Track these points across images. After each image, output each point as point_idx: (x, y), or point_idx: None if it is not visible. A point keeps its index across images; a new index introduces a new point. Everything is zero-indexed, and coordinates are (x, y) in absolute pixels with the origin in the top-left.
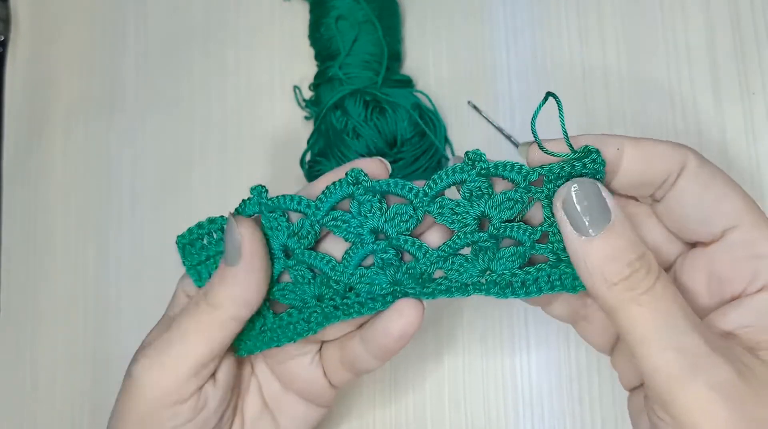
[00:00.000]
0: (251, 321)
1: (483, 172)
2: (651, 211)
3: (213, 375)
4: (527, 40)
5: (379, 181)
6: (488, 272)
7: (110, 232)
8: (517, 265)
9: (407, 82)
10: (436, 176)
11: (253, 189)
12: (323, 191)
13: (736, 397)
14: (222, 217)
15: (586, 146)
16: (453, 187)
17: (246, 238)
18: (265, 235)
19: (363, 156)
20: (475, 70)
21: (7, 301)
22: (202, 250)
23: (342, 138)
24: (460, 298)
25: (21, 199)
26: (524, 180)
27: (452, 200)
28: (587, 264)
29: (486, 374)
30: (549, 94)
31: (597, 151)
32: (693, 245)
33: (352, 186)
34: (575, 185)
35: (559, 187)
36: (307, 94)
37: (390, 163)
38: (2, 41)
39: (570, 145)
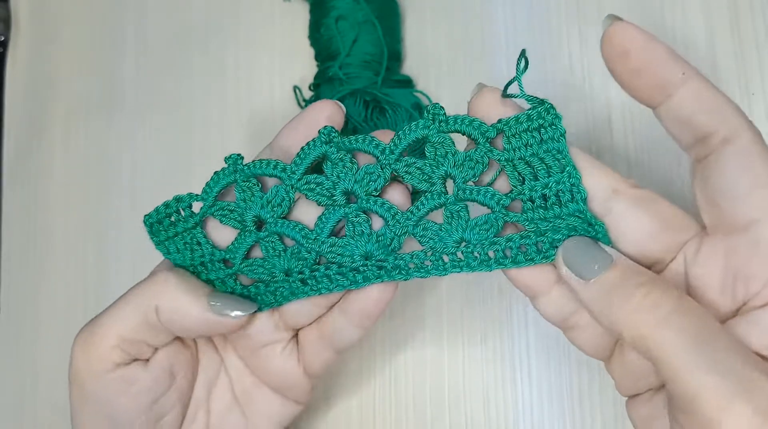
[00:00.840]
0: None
1: (442, 125)
2: (658, 197)
3: (148, 359)
4: (527, 41)
5: (348, 137)
6: (463, 243)
7: (110, 232)
8: (492, 234)
9: (407, 82)
10: (400, 132)
11: (227, 158)
12: (298, 154)
13: None
14: (189, 194)
15: (543, 100)
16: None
17: (240, 322)
18: (238, 207)
19: None
20: (475, 70)
21: (7, 301)
22: (170, 226)
23: None
24: (459, 297)
25: (21, 199)
26: (482, 136)
27: (419, 159)
28: (601, 298)
29: (486, 374)
30: (523, 51)
31: (550, 103)
32: (703, 228)
33: (325, 145)
34: (569, 242)
35: (518, 146)
36: (307, 94)
37: None
38: (2, 41)
39: (523, 92)
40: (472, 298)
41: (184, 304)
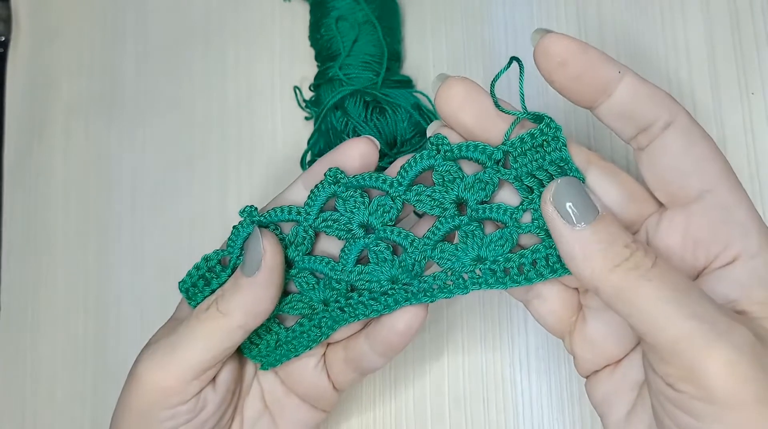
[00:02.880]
0: (265, 339)
1: (448, 155)
2: (619, 171)
3: (214, 378)
4: (527, 40)
5: (355, 176)
6: (480, 260)
7: (110, 232)
8: (508, 249)
9: (407, 83)
10: (405, 164)
11: (242, 211)
12: (309, 196)
13: (760, 358)
14: (216, 251)
15: (541, 114)
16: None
17: (268, 252)
18: None
19: None
20: (475, 70)
21: (7, 301)
22: (205, 286)
23: (342, 138)
24: (460, 299)
25: (21, 199)
26: (489, 159)
27: (428, 187)
28: (584, 251)
29: (486, 373)
30: (513, 58)
31: (548, 117)
32: (662, 205)
33: (333, 185)
34: (560, 181)
35: (524, 163)
36: (308, 94)
37: (390, 163)
38: (2, 41)
39: (524, 108)
40: (472, 298)
41: (259, 300)
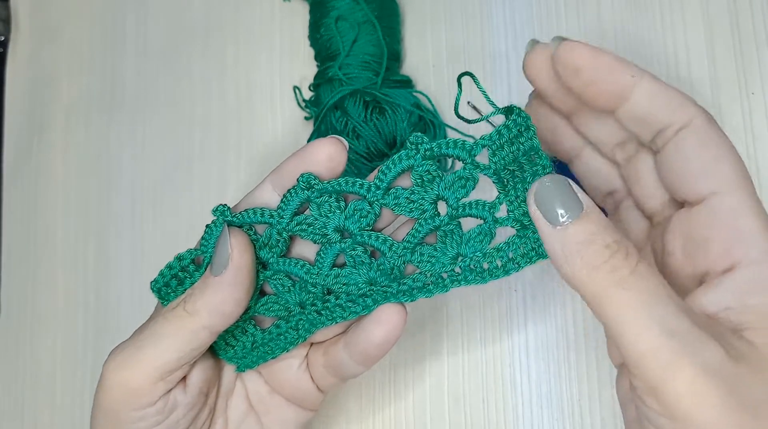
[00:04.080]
0: (241, 341)
1: (428, 153)
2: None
3: (184, 379)
4: (527, 41)
5: (330, 181)
6: (459, 258)
7: (110, 232)
8: (487, 243)
9: (407, 83)
10: (384, 167)
11: (214, 210)
12: (281, 199)
13: (727, 380)
14: (189, 250)
15: (511, 106)
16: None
17: (236, 250)
18: None
19: (361, 155)
20: (475, 70)
21: (7, 300)
22: (178, 286)
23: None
24: (460, 299)
25: (21, 199)
26: (469, 155)
27: (406, 189)
28: (564, 250)
29: (486, 373)
30: (464, 73)
31: (518, 107)
32: (682, 205)
33: (306, 191)
34: (545, 179)
35: (502, 157)
36: (307, 94)
37: None
38: (2, 41)
39: (492, 103)
40: (472, 299)
41: (223, 300)
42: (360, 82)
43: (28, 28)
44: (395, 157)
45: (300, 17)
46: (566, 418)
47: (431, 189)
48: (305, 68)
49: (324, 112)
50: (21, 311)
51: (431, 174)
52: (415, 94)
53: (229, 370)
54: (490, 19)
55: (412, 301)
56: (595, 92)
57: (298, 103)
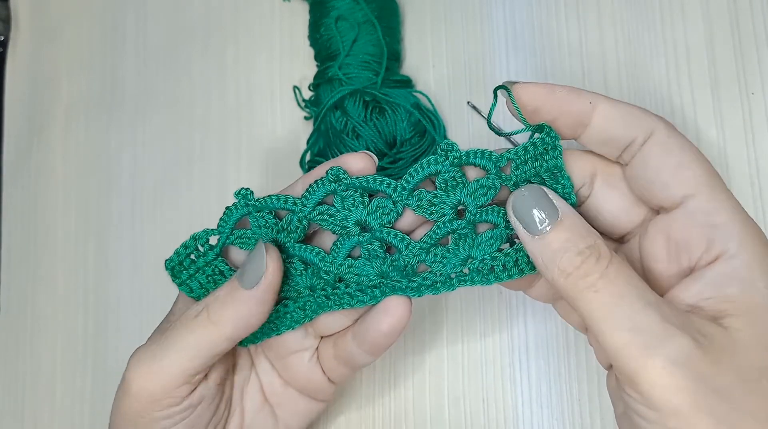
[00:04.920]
0: None
1: (456, 161)
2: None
3: (205, 376)
4: (527, 41)
5: (358, 177)
6: (469, 260)
7: (110, 232)
8: (497, 247)
9: (407, 83)
10: (412, 170)
11: (237, 193)
12: (307, 189)
13: (695, 368)
14: (205, 230)
15: (542, 124)
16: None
17: (270, 269)
18: (255, 234)
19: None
20: (475, 70)
21: (7, 300)
22: (191, 265)
23: (342, 138)
24: (460, 299)
25: (21, 199)
26: (494, 166)
27: (429, 192)
28: (543, 259)
29: (486, 373)
30: (500, 87)
31: (548, 126)
32: (658, 211)
33: (333, 183)
34: (522, 190)
35: (525, 171)
36: (307, 94)
37: (389, 163)
38: (2, 41)
39: (524, 121)
40: (473, 298)
41: (243, 309)
42: (360, 82)
43: (28, 28)
44: (424, 161)
45: (300, 17)
46: (566, 418)
47: (453, 194)
48: (305, 68)
49: (324, 112)
50: (21, 311)
51: (456, 180)
52: (415, 94)
53: (244, 365)
54: (490, 19)
55: (418, 296)
56: (556, 126)
57: (298, 103)
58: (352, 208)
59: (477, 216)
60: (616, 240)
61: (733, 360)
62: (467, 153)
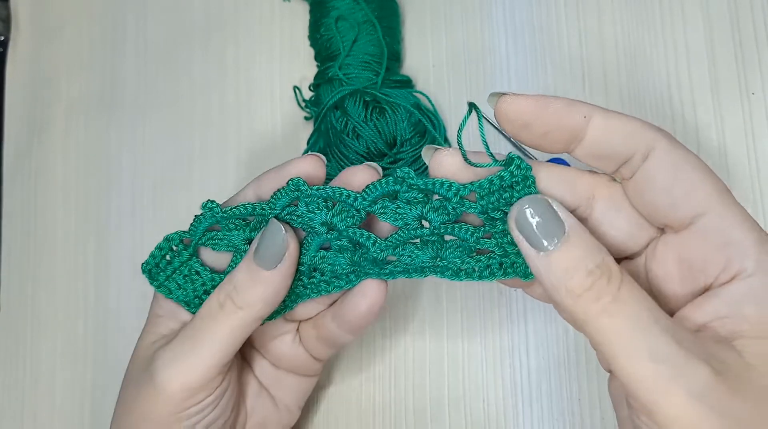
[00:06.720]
0: None
1: (413, 187)
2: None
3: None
4: (527, 41)
5: (318, 188)
6: (438, 259)
7: (110, 232)
8: (465, 256)
9: (407, 83)
10: (371, 186)
11: (203, 205)
12: (272, 196)
13: (715, 399)
14: (177, 232)
15: (509, 154)
16: None
17: (292, 244)
18: (225, 235)
19: (361, 155)
20: (475, 70)
21: (7, 301)
22: (167, 265)
23: (342, 138)
24: (459, 299)
25: (21, 199)
26: (455, 195)
27: (393, 202)
28: (550, 280)
29: (486, 374)
30: (471, 104)
31: (518, 158)
32: (663, 229)
33: (295, 192)
34: (526, 204)
35: (491, 201)
36: (307, 94)
37: (390, 163)
38: (2, 41)
39: (491, 155)
40: (472, 298)
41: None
42: (360, 82)
43: (28, 28)
44: (383, 180)
45: (300, 17)
46: (566, 418)
47: (416, 208)
48: (305, 68)
49: (324, 112)
50: (21, 311)
51: (417, 199)
52: (415, 94)
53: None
54: (490, 19)
55: (392, 279)
56: (547, 142)
57: (298, 103)
58: (316, 212)
59: (442, 229)
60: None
61: (751, 386)
62: (425, 182)
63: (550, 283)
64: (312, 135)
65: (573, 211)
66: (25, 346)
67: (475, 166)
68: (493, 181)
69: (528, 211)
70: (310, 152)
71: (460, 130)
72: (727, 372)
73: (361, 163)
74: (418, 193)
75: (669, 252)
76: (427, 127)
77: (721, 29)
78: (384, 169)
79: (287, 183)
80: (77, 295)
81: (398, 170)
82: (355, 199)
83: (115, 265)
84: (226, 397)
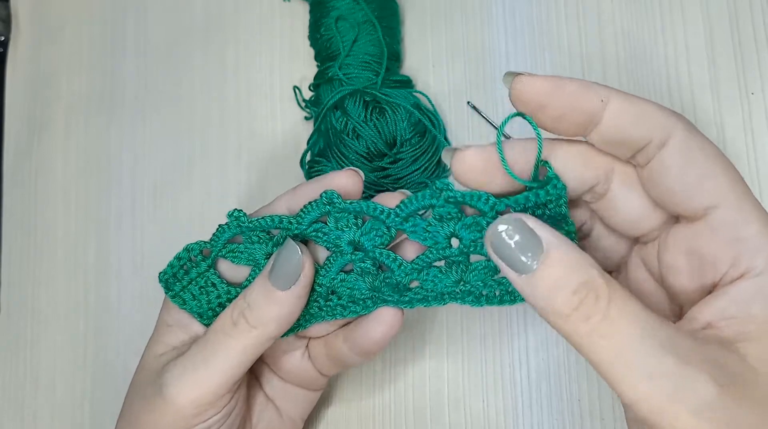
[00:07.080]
0: None
1: (451, 199)
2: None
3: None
4: (526, 40)
5: (351, 202)
6: (462, 282)
7: (110, 232)
8: (490, 277)
9: (407, 83)
10: (406, 200)
11: (230, 214)
12: (301, 209)
13: (719, 413)
14: (198, 242)
15: (550, 177)
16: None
17: (307, 267)
18: (247, 248)
19: (361, 155)
20: (475, 70)
21: (7, 301)
22: (184, 275)
23: (342, 138)
24: None
25: (21, 199)
26: (491, 210)
27: (424, 220)
28: (537, 302)
29: (486, 374)
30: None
31: (557, 178)
32: (677, 218)
33: (327, 205)
34: (499, 225)
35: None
36: (307, 94)
37: (390, 163)
38: (2, 41)
39: (535, 174)
40: None
41: (283, 309)
42: (360, 82)
43: (28, 28)
44: (419, 194)
45: (300, 17)
46: (566, 418)
47: (447, 226)
48: (305, 68)
49: (324, 112)
50: (21, 311)
51: (451, 215)
52: (415, 94)
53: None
54: (490, 18)
55: (410, 308)
56: (563, 124)
57: (298, 103)
58: (345, 229)
59: (471, 248)
60: (633, 239)
61: (756, 393)
62: (463, 195)
63: (538, 306)
64: (312, 135)
65: (592, 188)
66: (25, 346)
67: (513, 176)
68: (529, 197)
69: (503, 233)
70: (349, 167)
71: (498, 134)
72: (730, 381)
73: (362, 163)
74: (453, 208)
75: (680, 243)
76: (427, 127)
77: (721, 29)
78: (384, 169)
79: (321, 195)
80: (77, 295)
81: (437, 182)
82: (389, 214)
83: (115, 265)
84: (233, 414)
